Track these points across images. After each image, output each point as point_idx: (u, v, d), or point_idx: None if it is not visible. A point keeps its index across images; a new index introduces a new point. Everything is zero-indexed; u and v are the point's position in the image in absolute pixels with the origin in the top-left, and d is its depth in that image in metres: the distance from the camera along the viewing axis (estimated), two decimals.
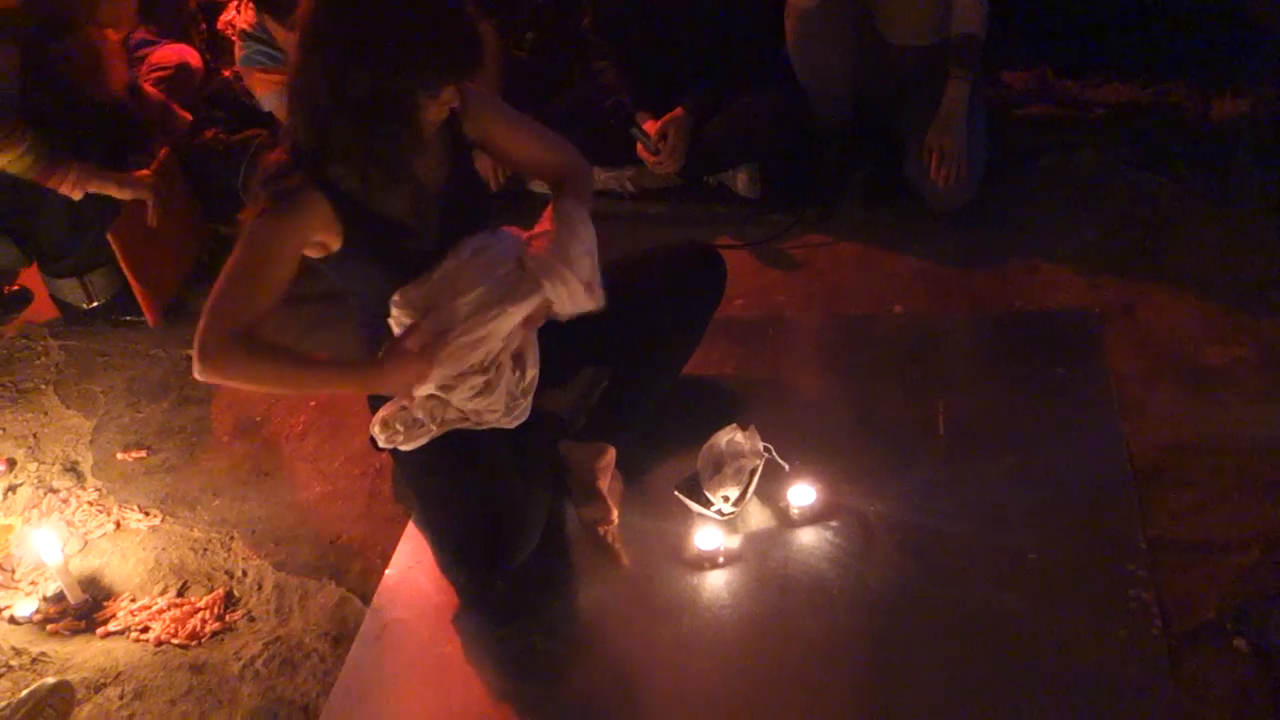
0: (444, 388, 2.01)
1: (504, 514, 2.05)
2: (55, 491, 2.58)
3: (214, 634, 2.14)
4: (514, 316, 1.98)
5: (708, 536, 2.08)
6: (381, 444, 2.09)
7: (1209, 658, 1.75)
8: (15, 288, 3.31)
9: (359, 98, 1.78)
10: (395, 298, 2.00)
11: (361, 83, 1.77)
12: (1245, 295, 2.50)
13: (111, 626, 2.19)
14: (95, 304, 3.13)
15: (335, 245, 1.96)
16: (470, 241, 2.01)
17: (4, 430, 2.82)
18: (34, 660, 2.13)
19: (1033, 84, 3.47)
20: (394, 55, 1.77)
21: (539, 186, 3.25)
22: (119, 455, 2.68)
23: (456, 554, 2.13)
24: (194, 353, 1.87)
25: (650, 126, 3.08)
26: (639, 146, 3.08)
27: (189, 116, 3.30)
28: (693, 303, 2.40)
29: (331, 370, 2.09)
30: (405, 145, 1.89)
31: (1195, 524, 1.98)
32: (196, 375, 1.90)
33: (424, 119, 1.89)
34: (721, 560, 2.08)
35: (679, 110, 3.08)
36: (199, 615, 2.18)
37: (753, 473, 2.15)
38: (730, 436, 2.18)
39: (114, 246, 2.95)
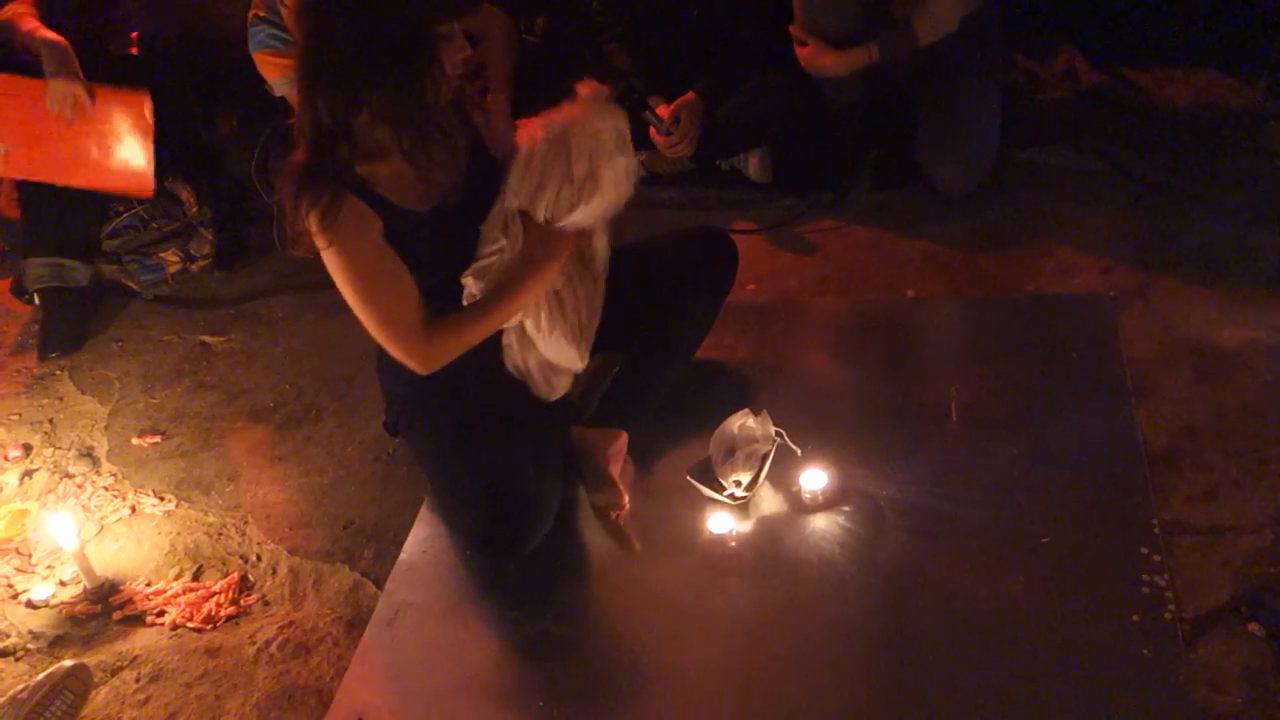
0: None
1: (517, 500, 2.05)
2: (71, 476, 2.60)
3: (229, 618, 2.16)
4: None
5: (720, 521, 2.08)
6: None
7: (1223, 642, 1.75)
8: None
9: (392, 39, 1.79)
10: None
11: (389, 19, 1.78)
12: (1259, 279, 2.49)
13: (127, 611, 2.20)
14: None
15: (381, 231, 1.96)
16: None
17: (20, 416, 2.84)
18: (51, 644, 2.15)
19: (1060, 74, 3.44)
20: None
21: None
22: (134, 440, 2.69)
23: (470, 540, 2.15)
24: (413, 365, 2.02)
25: (663, 110, 3.07)
26: (651, 130, 3.08)
27: None
28: (705, 288, 2.40)
29: (515, 293, 2.04)
30: (438, 93, 1.88)
31: (1209, 508, 1.97)
32: (427, 372, 2.04)
33: (446, 66, 1.88)
34: (734, 545, 2.08)
35: (691, 94, 3.07)
36: (214, 599, 2.19)
37: (765, 458, 2.15)
38: (742, 421, 2.18)
39: None
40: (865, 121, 3.12)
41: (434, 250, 2.02)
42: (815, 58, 2.89)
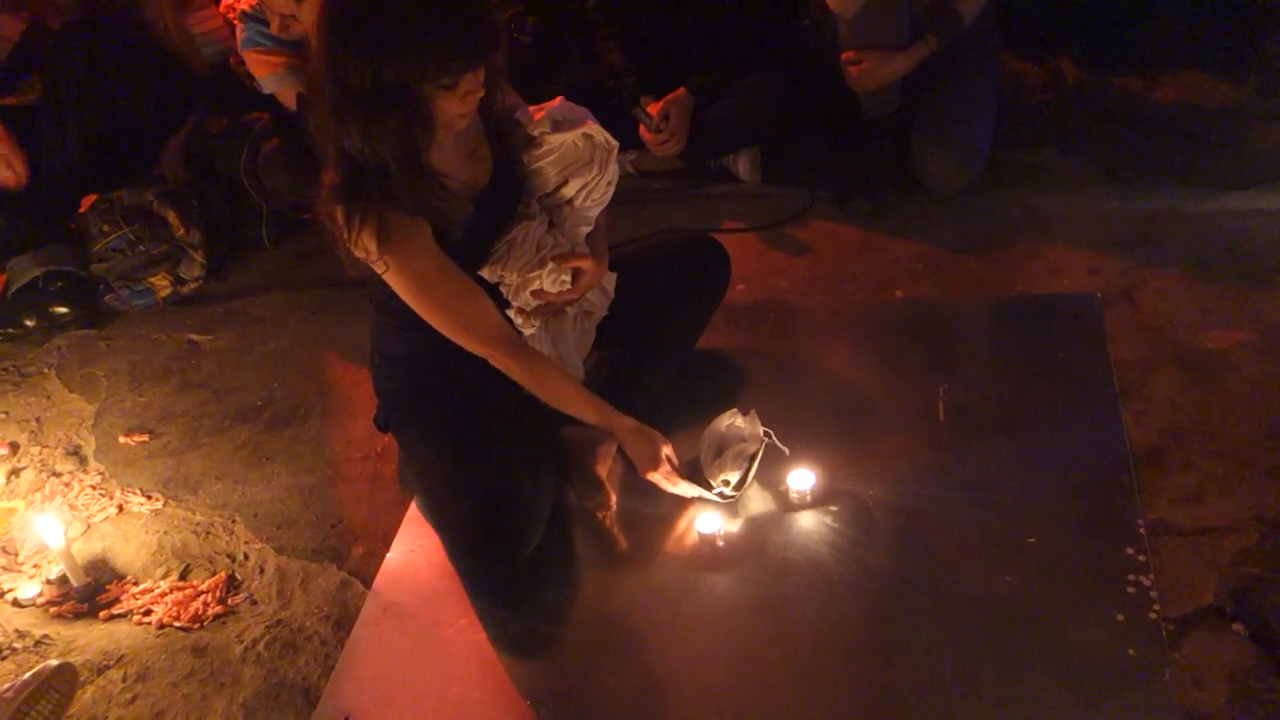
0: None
1: (510, 508, 2.04)
2: (58, 475, 2.59)
3: (216, 617, 2.15)
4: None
5: (708, 521, 2.09)
6: (522, 329, 2.16)
7: (1207, 642, 1.76)
8: None
9: (360, 89, 1.76)
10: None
11: (359, 73, 1.74)
12: (1245, 280, 2.50)
13: (114, 610, 2.20)
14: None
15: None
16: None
17: (7, 414, 2.83)
18: (37, 643, 2.15)
19: (1048, 76, 3.44)
20: (387, 43, 1.73)
21: None
22: (121, 439, 2.68)
23: (462, 545, 2.14)
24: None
25: (653, 109, 3.07)
26: (641, 128, 3.08)
27: None
28: (697, 297, 2.41)
29: (587, 405, 2.13)
30: (416, 139, 1.85)
31: (1194, 508, 1.98)
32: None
33: (441, 111, 1.83)
34: (721, 544, 2.08)
35: (681, 90, 3.08)
36: (201, 598, 2.19)
37: (753, 457, 2.15)
38: (730, 421, 2.18)
39: None
40: (902, 129, 3.03)
41: (474, 244, 2.05)
42: (882, 66, 2.86)
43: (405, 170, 1.86)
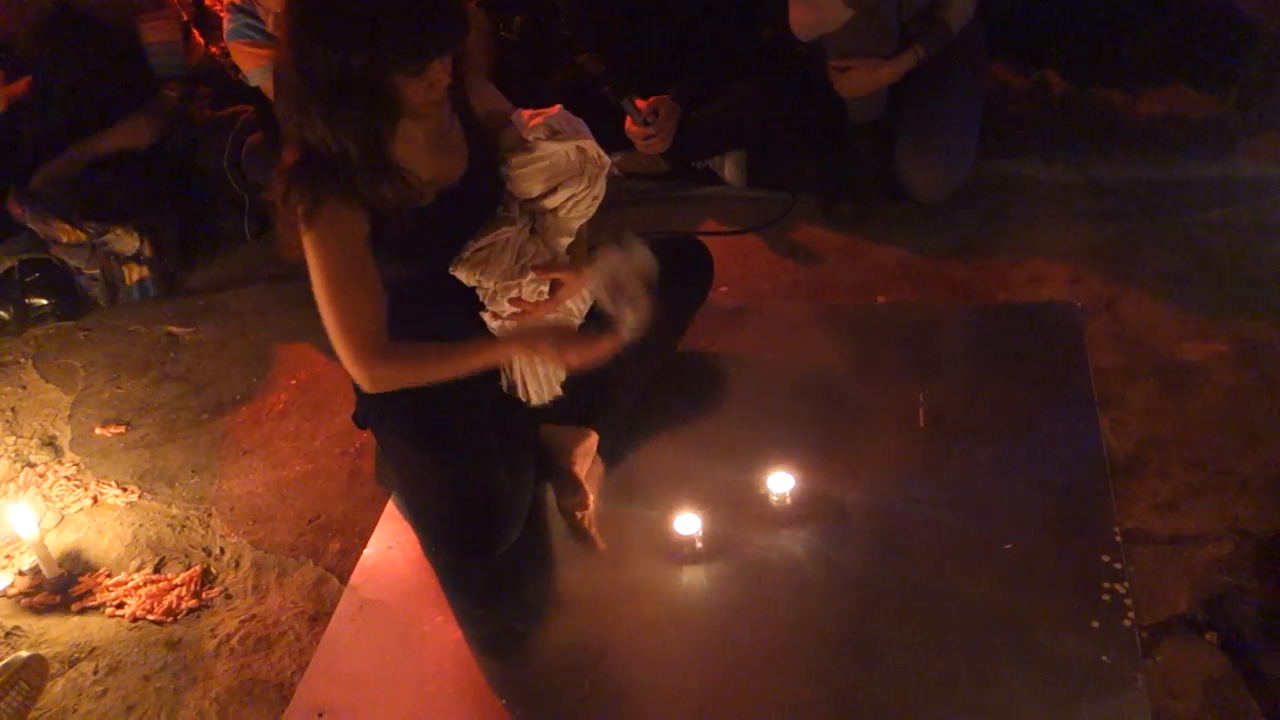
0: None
1: (487, 505, 2.03)
2: (32, 465, 2.57)
3: (190, 611, 2.14)
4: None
5: (686, 523, 2.08)
6: (496, 334, 2.14)
7: (1180, 650, 1.77)
8: None
9: (327, 79, 1.75)
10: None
11: (326, 63, 1.74)
12: (1223, 292, 2.52)
13: (87, 602, 2.18)
14: None
15: (368, 231, 1.94)
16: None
17: None
18: (8, 634, 2.13)
19: (1034, 87, 3.46)
20: (354, 33, 1.72)
21: None
22: (98, 430, 2.67)
23: (438, 540, 2.12)
24: (358, 379, 1.97)
25: (641, 104, 3.07)
26: (628, 121, 3.06)
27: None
28: (679, 298, 2.41)
29: (470, 354, 2.03)
30: (380, 129, 1.85)
31: (1170, 517, 1.99)
32: (370, 390, 1.98)
33: (408, 100, 1.84)
34: (699, 546, 2.08)
35: (667, 95, 3.07)
36: (175, 592, 2.17)
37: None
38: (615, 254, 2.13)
39: None
40: (887, 134, 3.03)
41: (435, 238, 2.03)
42: (869, 73, 2.86)
43: (366, 160, 1.86)
